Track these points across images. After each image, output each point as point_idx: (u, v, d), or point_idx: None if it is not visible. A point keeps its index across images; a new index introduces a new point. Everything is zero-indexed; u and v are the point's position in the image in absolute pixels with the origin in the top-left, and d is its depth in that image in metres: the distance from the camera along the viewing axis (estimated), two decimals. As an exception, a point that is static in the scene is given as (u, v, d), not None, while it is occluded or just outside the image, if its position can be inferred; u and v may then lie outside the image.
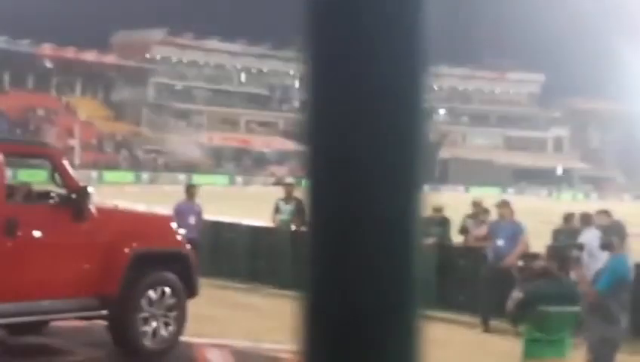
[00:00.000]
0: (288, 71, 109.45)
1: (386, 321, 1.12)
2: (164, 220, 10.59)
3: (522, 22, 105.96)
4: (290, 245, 16.61)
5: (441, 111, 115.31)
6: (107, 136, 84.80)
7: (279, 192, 17.78)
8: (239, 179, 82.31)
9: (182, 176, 67.16)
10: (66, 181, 8.86)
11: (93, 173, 64.37)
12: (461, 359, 10.22)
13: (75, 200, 8.70)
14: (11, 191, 8.76)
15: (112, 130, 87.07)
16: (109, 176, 67.64)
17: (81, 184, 9.00)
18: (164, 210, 13.69)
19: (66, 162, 9.16)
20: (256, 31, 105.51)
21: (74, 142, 75.12)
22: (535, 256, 8.08)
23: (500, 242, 12.62)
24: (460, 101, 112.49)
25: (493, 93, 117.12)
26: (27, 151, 10.33)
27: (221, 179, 77.41)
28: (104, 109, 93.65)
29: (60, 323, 9.66)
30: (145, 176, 73.99)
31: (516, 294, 7.03)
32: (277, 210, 17.26)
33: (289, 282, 16.06)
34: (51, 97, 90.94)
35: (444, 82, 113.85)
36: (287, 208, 17.11)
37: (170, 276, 9.41)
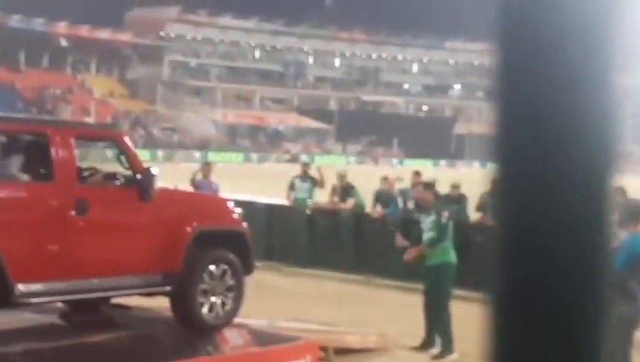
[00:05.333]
0: (302, 47, 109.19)
1: (581, 320, 1.11)
2: (221, 201, 10.97)
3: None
4: (305, 223, 16.59)
5: (457, 87, 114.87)
6: (122, 114, 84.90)
7: (294, 169, 17.73)
8: (254, 156, 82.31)
9: (197, 154, 67.21)
10: (132, 162, 9.19)
11: (108, 152, 64.43)
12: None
13: (141, 181, 9.00)
14: (80, 173, 9.04)
15: (128, 108, 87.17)
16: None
17: (146, 165, 9.30)
18: (184, 187, 13.76)
19: (130, 144, 9.50)
20: (269, 7, 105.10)
21: (89, 121, 75.30)
22: None
23: None
24: (476, 76, 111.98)
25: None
26: (95, 135, 10.69)
27: (236, 157, 77.45)
28: (119, 87, 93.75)
29: (122, 299, 10.03)
30: (160, 153, 74.11)
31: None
32: (292, 187, 17.23)
33: (304, 260, 16.05)
34: (66, 76, 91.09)
35: (460, 57, 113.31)
36: (304, 186, 17.08)
37: (229, 254, 9.75)
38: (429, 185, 12.21)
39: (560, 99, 1.11)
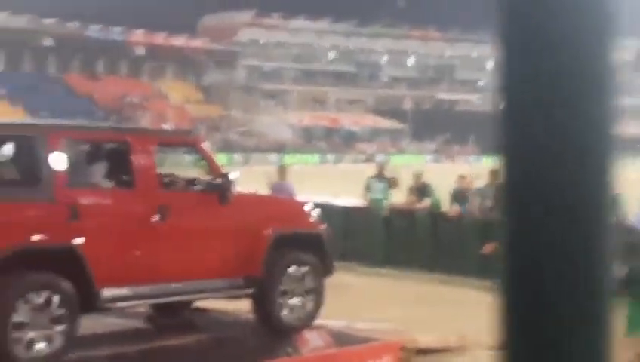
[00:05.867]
0: (375, 47, 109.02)
1: (582, 308, 1.14)
2: (298, 204, 11.07)
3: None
4: (382, 223, 16.59)
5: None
6: (199, 119, 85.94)
7: (370, 170, 17.73)
8: (330, 157, 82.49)
9: (273, 157, 67.64)
10: (211, 168, 9.41)
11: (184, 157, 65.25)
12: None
13: (220, 186, 9.18)
14: (161, 179, 9.25)
15: (204, 113, 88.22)
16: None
17: (224, 170, 9.48)
18: (261, 190, 13.93)
19: (209, 149, 9.82)
20: (341, 8, 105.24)
21: (167, 127, 76.32)
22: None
23: None
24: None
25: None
26: (174, 141, 10.86)
27: (312, 158, 77.73)
28: (195, 93, 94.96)
29: (204, 303, 10.25)
30: (237, 157, 74.78)
31: (620, 268, 6.81)
32: (368, 188, 17.25)
33: (381, 260, 16.06)
34: (143, 83, 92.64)
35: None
36: (379, 186, 17.08)
37: (308, 256, 9.86)
38: None
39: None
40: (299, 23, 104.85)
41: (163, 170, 9.72)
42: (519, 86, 1.20)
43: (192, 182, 9.64)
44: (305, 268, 9.81)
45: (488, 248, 10.97)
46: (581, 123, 1.14)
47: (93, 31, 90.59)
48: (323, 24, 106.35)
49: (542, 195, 1.14)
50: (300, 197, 15.92)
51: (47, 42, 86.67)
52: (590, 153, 1.14)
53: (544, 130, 1.15)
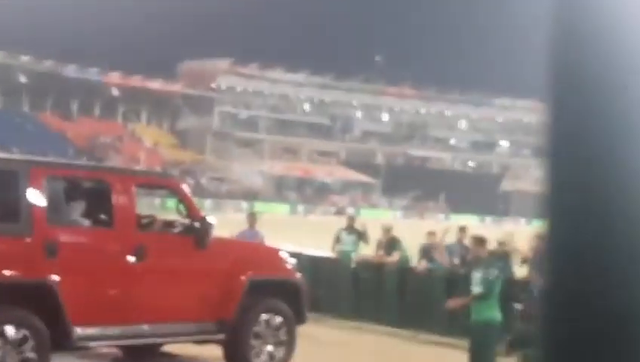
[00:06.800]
0: (351, 101, 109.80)
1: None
2: (275, 251, 11.05)
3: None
4: (350, 276, 16.70)
5: (504, 144, 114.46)
6: (172, 163, 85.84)
7: (340, 222, 17.88)
8: (300, 208, 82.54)
9: (245, 204, 67.58)
10: (190, 211, 9.44)
11: (157, 201, 65.10)
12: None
13: (198, 229, 9.20)
14: (139, 220, 9.28)
15: (177, 157, 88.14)
16: (172, 203, 67.95)
17: (203, 214, 9.54)
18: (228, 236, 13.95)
19: (189, 193, 9.77)
20: (319, 61, 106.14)
21: (151, 169, 76.05)
22: None
23: None
24: (524, 133, 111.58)
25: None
26: (155, 183, 11.04)
27: (283, 208, 77.74)
28: (169, 137, 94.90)
29: (173, 347, 10.21)
30: (208, 203, 74.62)
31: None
32: (338, 239, 17.39)
33: (349, 313, 16.14)
34: (117, 125, 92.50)
35: (508, 114, 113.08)
36: (349, 238, 17.23)
37: (283, 303, 9.91)
38: (482, 241, 12.19)
39: (611, 157, 1.13)
40: (277, 73, 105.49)
41: (142, 211, 9.77)
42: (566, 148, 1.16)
43: (170, 224, 9.68)
44: (279, 316, 9.85)
45: (453, 303, 11.08)
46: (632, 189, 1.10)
47: (70, 70, 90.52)
48: (300, 76, 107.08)
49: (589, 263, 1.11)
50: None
51: (22, 79, 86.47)
52: None
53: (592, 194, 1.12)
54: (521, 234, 16.77)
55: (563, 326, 1.13)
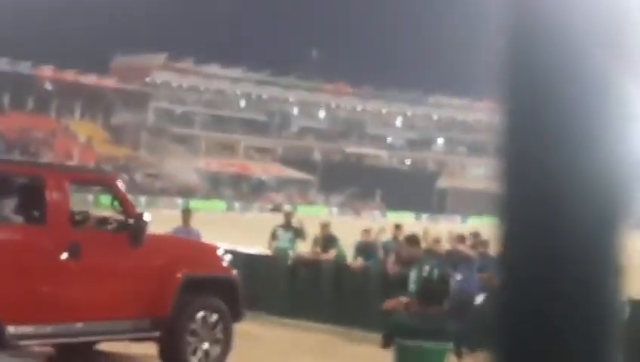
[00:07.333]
0: (287, 97, 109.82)
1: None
2: (211, 248, 10.98)
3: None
4: (286, 273, 16.70)
5: (440, 141, 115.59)
6: (106, 159, 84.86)
7: (276, 219, 17.86)
8: (237, 205, 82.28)
9: (179, 201, 67.13)
10: (125, 207, 9.35)
11: (90, 197, 64.34)
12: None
13: (133, 227, 9.13)
14: (73, 216, 9.15)
15: (111, 153, 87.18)
16: (106, 199, 67.21)
17: (138, 211, 9.47)
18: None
19: (124, 189, 9.66)
20: (256, 57, 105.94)
21: (86, 165, 75.14)
22: None
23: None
24: (459, 131, 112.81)
25: (492, 124, 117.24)
26: (90, 179, 10.92)
27: (219, 205, 77.40)
28: (103, 132, 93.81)
29: (107, 345, 10.08)
30: (142, 199, 73.98)
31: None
32: (274, 236, 17.36)
33: (285, 310, 16.14)
34: (50, 119, 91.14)
35: (443, 112, 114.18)
36: (286, 235, 17.22)
37: (218, 300, 9.85)
38: (415, 240, 12.23)
39: (564, 155, 1.13)
40: (213, 69, 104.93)
41: (76, 208, 9.64)
42: (520, 147, 1.18)
43: (105, 220, 9.58)
44: (215, 313, 9.80)
45: (390, 304, 11.13)
46: (586, 189, 1.11)
47: (2, 63, 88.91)
48: (237, 72, 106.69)
49: (543, 270, 1.10)
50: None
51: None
52: (599, 223, 1.10)
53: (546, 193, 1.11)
54: (455, 231, 16.89)
55: (515, 324, 1.14)
